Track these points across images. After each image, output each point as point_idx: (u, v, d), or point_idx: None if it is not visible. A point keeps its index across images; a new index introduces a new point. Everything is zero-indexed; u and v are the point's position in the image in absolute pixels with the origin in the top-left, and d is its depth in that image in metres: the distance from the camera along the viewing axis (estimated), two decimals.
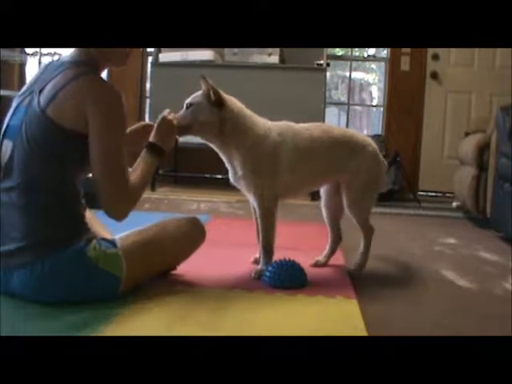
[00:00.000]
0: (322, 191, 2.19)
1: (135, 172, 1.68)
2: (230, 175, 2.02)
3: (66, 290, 1.58)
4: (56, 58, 1.68)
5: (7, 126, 1.61)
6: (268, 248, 1.98)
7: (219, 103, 1.89)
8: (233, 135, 1.91)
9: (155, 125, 1.80)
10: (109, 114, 1.56)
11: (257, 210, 1.99)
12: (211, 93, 1.89)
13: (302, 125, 2.06)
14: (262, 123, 1.99)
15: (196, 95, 1.94)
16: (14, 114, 1.61)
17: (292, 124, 2.04)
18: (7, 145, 1.58)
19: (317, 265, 2.17)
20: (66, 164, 1.58)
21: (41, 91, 1.56)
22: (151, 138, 1.76)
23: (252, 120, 1.96)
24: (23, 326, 1.45)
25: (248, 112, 1.98)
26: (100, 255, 1.60)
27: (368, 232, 2.14)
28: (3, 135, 1.62)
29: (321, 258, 2.20)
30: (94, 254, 1.59)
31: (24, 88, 1.66)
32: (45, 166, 1.56)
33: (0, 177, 1.59)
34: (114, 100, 1.57)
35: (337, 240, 2.24)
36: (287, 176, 1.96)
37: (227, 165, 2.01)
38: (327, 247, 2.24)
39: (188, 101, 1.94)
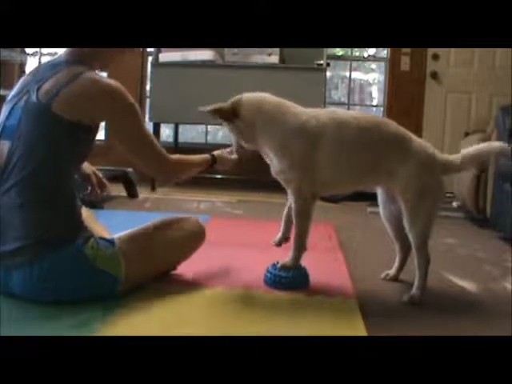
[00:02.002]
0: (379, 202, 2.03)
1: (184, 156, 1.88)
2: (272, 169, 1.93)
3: (64, 289, 1.58)
4: (55, 57, 1.70)
5: (3, 127, 1.62)
6: (299, 245, 1.92)
7: (233, 115, 1.87)
8: (262, 133, 1.86)
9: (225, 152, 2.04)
10: (121, 106, 1.63)
11: (292, 204, 1.91)
12: (220, 113, 1.88)
13: (350, 113, 1.95)
14: (297, 113, 1.87)
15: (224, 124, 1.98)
16: (9, 115, 1.62)
17: (338, 111, 1.92)
18: (4, 145, 1.59)
19: (386, 278, 2.04)
20: (63, 161, 1.60)
21: (38, 90, 1.57)
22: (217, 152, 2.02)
23: (280, 111, 1.86)
24: (23, 326, 1.45)
25: (273, 105, 1.88)
26: (98, 254, 1.60)
27: (420, 256, 1.87)
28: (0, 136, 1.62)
29: (390, 271, 2.07)
30: (92, 253, 1.59)
31: (15, 90, 1.67)
32: (42, 165, 1.56)
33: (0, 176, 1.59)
34: (120, 93, 1.62)
35: (405, 251, 2.04)
36: (327, 169, 1.84)
37: (267, 161, 1.95)
38: (396, 260, 2.07)
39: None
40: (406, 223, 1.87)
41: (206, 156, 1.96)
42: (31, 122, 1.57)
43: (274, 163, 1.88)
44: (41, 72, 1.64)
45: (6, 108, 1.65)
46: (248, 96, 1.90)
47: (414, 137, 1.92)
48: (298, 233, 1.93)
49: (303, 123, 1.83)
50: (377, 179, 1.91)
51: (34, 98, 1.57)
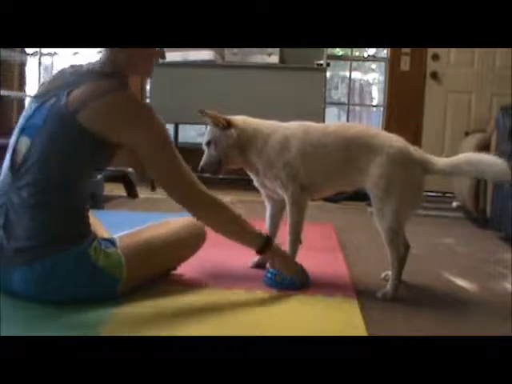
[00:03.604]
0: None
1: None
2: (255, 181, 2.11)
3: (65, 289, 1.58)
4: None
5: (26, 123, 1.61)
6: (294, 238, 2.00)
7: (228, 124, 2.00)
8: (248, 145, 2.01)
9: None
10: (153, 131, 1.61)
11: (286, 202, 2.01)
12: (217, 121, 2.01)
13: (321, 124, 2.08)
14: (269, 124, 2.07)
15: (208, 131, 2.04)
16: (34, 113, 1.61)
17: (307, 122, 2.06)
18: (24, 142, 1.58)
19: (386, 278, 2.00)
20: (82, 166, 1.61)
21: (67, 95, 1.56)
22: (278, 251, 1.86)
23: (258, 124, 2.05)
24: (23, 326, 1.45)
25: (253, 120, 2.08)
26: (100, 255, 1.60)
27: (391, 252, 1.87)
28: (20, 132, 1.61)
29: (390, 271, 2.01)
30: (95, 254, 1.59)
31: (43, 89, 1.66)
32: (61, 167, 1.57)
33: (12, 173, 1.58)
34: (151, 116, 1.61)
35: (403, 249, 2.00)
36: (302, 166, 1.96)
37: (252, 175, 2.10)
38: None
39: (205, 140, 2.04)
40: (374, 218, 1.90)
41: (259, 234, 1.81)
42: (55, 126, 1.56)
43: (258, 170, 2.03)
44: (73, 76, 1.63)
45: (31, 105, 1.64)
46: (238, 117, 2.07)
47: (382, 132, 1.99)
48: (292, 225, 2.00)
49: (277, 127, 2.04)
50: (353, 177, 1.96)
51: (62, 102, 1.56)
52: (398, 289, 1.86)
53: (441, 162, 1.91)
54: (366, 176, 1.90)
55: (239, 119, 2.05)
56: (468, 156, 1.91)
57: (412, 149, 1.93)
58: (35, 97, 1.65)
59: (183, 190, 1.67)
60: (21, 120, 1.64)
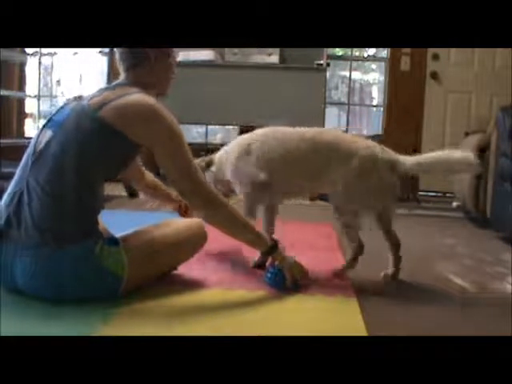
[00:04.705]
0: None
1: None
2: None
3: (68, 284, 1.59)
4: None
5: (50, 119, 1.72)
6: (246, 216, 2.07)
7: (207, 166, 2.25)
8: (224, 175, 2.20)
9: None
10: (170, 132, 1.69)
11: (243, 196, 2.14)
12: (200, 168, 2.12)
13: (290, 128, 2.12)
14: (234, 142, 2.21)
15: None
16: (58, 111, 1.72)
17: (276, 128, 2.13)
18: (46, 133, 1.66)
19: (386, 279, 2.03)
20: (97, 162, 1.64)
21: (90, 99, 1.67)
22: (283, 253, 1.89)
23: (225, 149, 2.23)
24: (23, 325, 1.45)
25: (222, 151, 2.25)
26: (104, 253, 1.61)
27: (351, 237, 2.04)
28: (43, 127, 1.71)
29: (388, 270, 2.05)
30: (99, 252, 1.60)
31: (71, 98, 1.78)
32: (78, 159, 1.60)
33: (32, 160, 1.63)
34: (169, 118, 1.70)
35: (395, 250, 2.05)
36: (263, 169, 2.04)
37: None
38: (390, 259, 2.07)
39: None
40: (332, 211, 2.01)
41: (266, 240, 1.87)
42: (77, 119, 1.64)
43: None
44: (95, 91, 1.74)
45: (57, 108, 1.77)
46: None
47: (353, 139, 2.01)
48: (245, 208, 2.12)
49: (240, 139, 2.19)
50: (323, 181, 2.01)
51: (85, 102, 1.67)
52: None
53: (409, 161, 1.95)
54: (334, 179, 1.95)
55: (217, 157, 2.24)
56: (437, 154, 1.97)
57: (380, 152, 1.95)
58: (65, 102, 1.77)
59: (195, 191, 1.72)
60: (49, 117, 1.75)
